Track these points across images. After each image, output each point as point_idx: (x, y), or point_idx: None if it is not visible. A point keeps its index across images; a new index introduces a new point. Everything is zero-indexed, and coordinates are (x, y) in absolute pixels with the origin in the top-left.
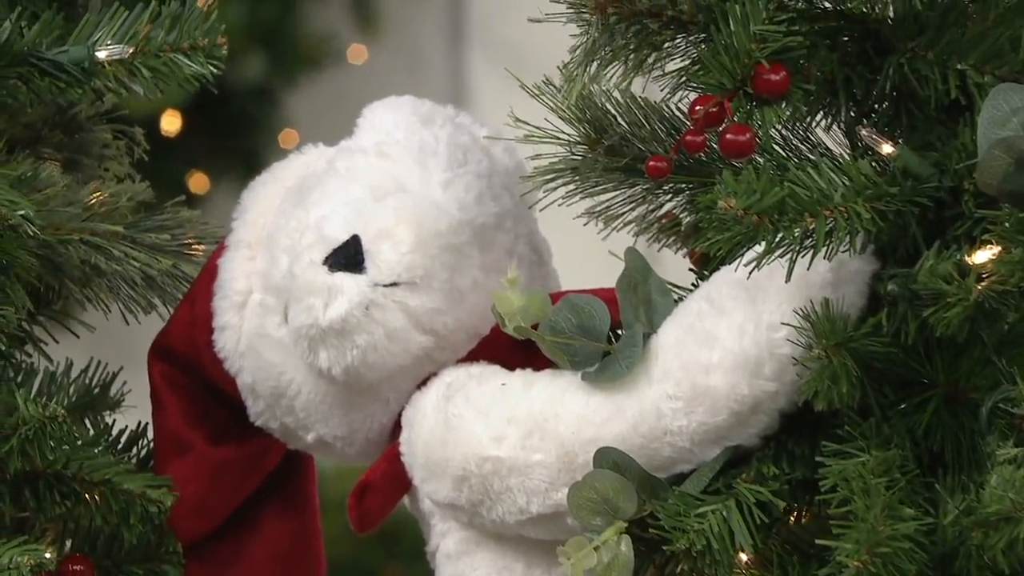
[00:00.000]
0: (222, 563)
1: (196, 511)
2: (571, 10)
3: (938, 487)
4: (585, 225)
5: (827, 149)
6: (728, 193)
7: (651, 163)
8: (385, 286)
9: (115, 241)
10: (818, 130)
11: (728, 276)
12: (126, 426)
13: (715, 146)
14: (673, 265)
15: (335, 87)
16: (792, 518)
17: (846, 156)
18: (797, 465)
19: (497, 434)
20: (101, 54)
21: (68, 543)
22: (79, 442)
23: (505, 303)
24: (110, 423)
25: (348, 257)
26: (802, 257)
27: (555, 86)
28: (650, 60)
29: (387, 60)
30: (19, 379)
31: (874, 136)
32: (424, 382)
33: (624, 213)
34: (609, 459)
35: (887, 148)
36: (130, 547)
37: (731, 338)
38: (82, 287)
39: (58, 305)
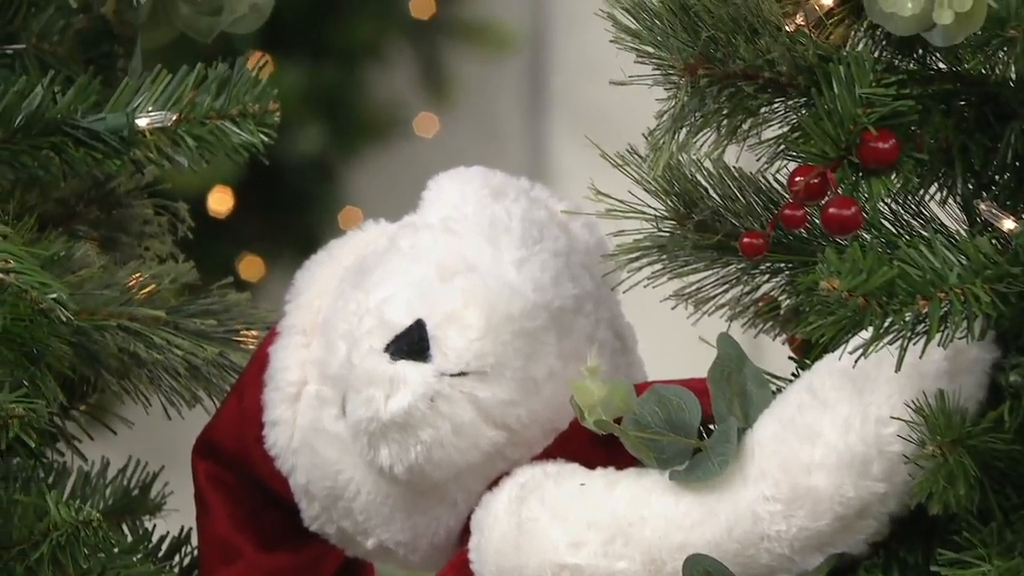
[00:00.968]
0: None
1: None
2: (657, 72)
3: None
4: (673, 308)
5: (941, 225)
6: (831, 273)
7: (746, 240)
8: (452, 376)
9: (156, 327)
10: (931, 204)
11: (832, 365)
12: (168, 532)
13: (817, 221)
14: (771, 353)
15: (401, 160)
16: None
17: (963, 232)
18: (909, 575)
19: (576, 540)
20: (142, 121)
21: None
22: (116, 549)
23: (585, 394)
24: (150, 528)
25: (412, 344)
26: (914, 344)
27: (640, 156)
28: (745, 126)
29: (459, 130)
30: (50, 480)
31: (994, 210)
32: (495, 482)
33: (716, 295)
34: (701, 567)
35: (1009, 224)
36: None
37: (835, 434)
38: (120, 378)
39: (93, 398)
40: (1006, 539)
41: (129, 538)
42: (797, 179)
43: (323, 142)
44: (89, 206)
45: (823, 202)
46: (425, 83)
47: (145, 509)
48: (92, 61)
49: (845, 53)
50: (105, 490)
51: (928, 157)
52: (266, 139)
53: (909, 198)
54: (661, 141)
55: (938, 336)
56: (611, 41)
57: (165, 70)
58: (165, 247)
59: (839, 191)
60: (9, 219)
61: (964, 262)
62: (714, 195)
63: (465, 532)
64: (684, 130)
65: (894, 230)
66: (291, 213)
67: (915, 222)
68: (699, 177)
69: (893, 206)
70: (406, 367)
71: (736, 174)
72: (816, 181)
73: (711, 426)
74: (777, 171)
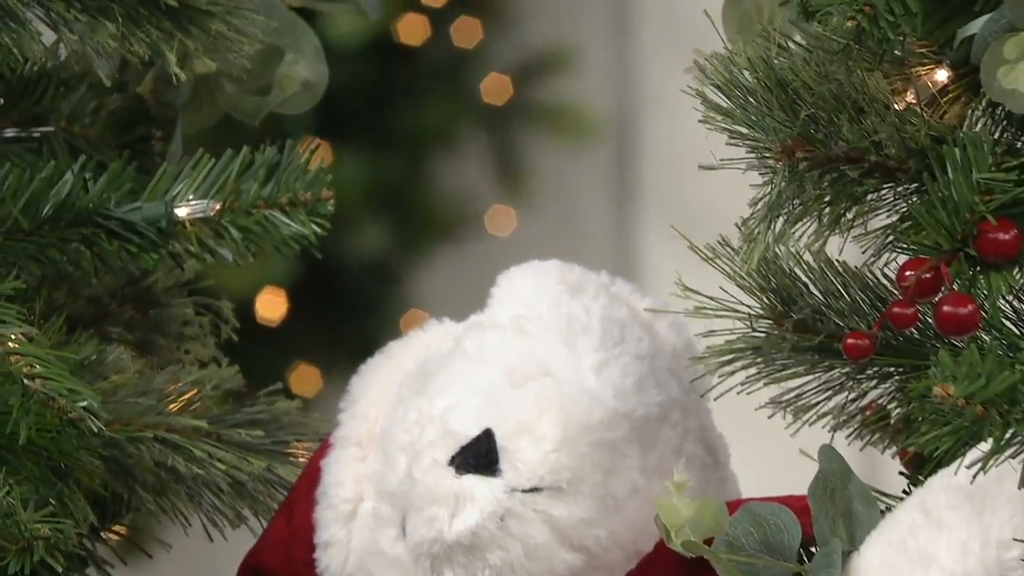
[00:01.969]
0: None
1: None
2: (752, 155)
3: None
4: (770, 418)
5: None
6: (946, 378)
7: (850, 341)
8: (524, 492)
9: (197, 439)
10: None
11: (947, 481)
12: None
13: (929, 320)
14: (879, 467)
15: (473, 259)
16: None
17: None
18: None
19: None
20: (181, 211)
21: None
22: None
23: (671, 513)
24: None
25: (479, 456)
26: None
27: (732, 248)
28: (849, 215)
29: (537, 225)
30: None
31: None
32: None
33: (818, 403)
34: None
35: None
36: None
37: (952, 559)
38: (156, 495)
39: (127, 518)
40: None
41: None
42: (907, 274)
43: (386, 240)
44: (123, 305)
45: (936, 299)
46: (499, 174)
47: None
48: (127, 145)
49: (961, 134)
50: None
51: None
52: (319, 230)
53: None
54: (756, 231)
55: None
56: (700, 121)
57: (207, 155)
58: (207, 350)
59: (954, 287)
60: (35, 320)
61: None
62: (815, 291)
63: None
64: (781, 219)
65: (1016, 331)
66: (349, 318)
67: None
68: (798, 271)
69: (1015, 304)
70: (473, 482)
71: (839, 268)
72: (929, 276)
73: (812, 548)
74: (885, 265)
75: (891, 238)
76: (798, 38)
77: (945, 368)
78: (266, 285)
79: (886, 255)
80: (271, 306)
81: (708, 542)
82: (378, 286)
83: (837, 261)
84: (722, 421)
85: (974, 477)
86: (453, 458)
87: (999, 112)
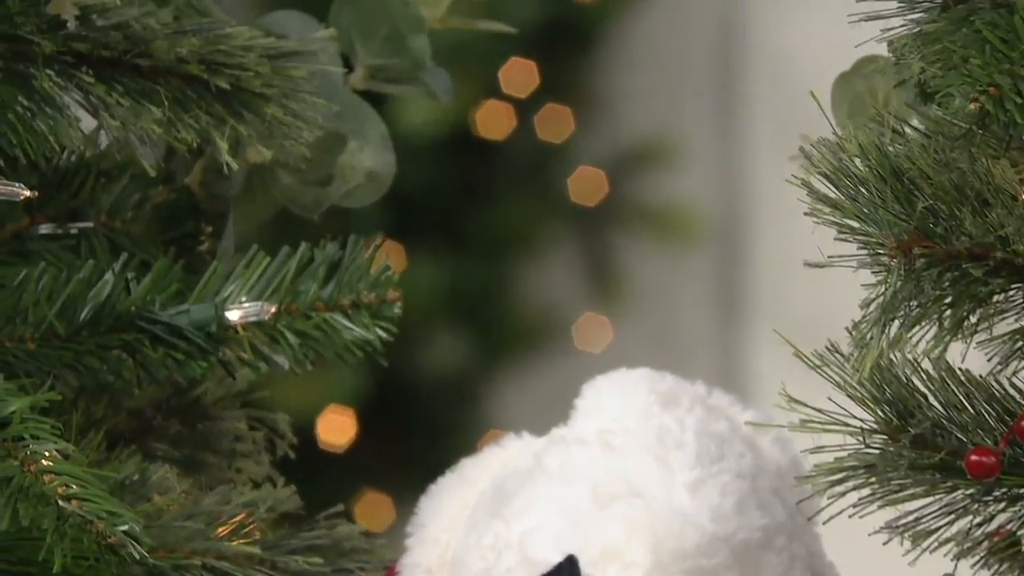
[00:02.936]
0: None
1: None
2: (863, 251)
3: None
4: (886, 544)
5: None
6: None
7: (974, 458)
8: None
9: (250, 567)
10: None
11: None
12: None
13: None
14: None
15: (560, 374)
16: None
17: None
18: None
19: None
20: (233, 315)
21: None
22: None
23: None
24: None
25: None
26: None
27: (842, 354)
28: (972, 318)
29: (632, 335)
30: None
31: None
32: None
33: (939, 528)
34: None
35: None
36: None
37: None
38: None
39: None
40: None
41: None
42: None
43: (464, 353)
44: (169, 418)
45: None
46: (590, 280)
47: None
48: (173, 242)
49: None
50: None
51: None
52: (384, 335)
53: None
54: (868, 336)
55: None
56: (806, 214)
57: (262, 252)
58: (261, 469)
59: None
60: (72, 435)
61: None
62: (935, 403)
63: None
64: (896, 323)
65: None
66: (423, 441)
67: None
68: (916, 381)
69: None
70: None
71: (962, 377)
72: None
73: None
74: (1013, 374)
75: (1020, 344)
76: (915, 122)
77: None
78: (330, 403)
79: (1014, 363)
80: (336, 426)
81: None
82: (455, 405)
83: (959, 369)
84: (832, 547)
85: None
86: None
87: None
